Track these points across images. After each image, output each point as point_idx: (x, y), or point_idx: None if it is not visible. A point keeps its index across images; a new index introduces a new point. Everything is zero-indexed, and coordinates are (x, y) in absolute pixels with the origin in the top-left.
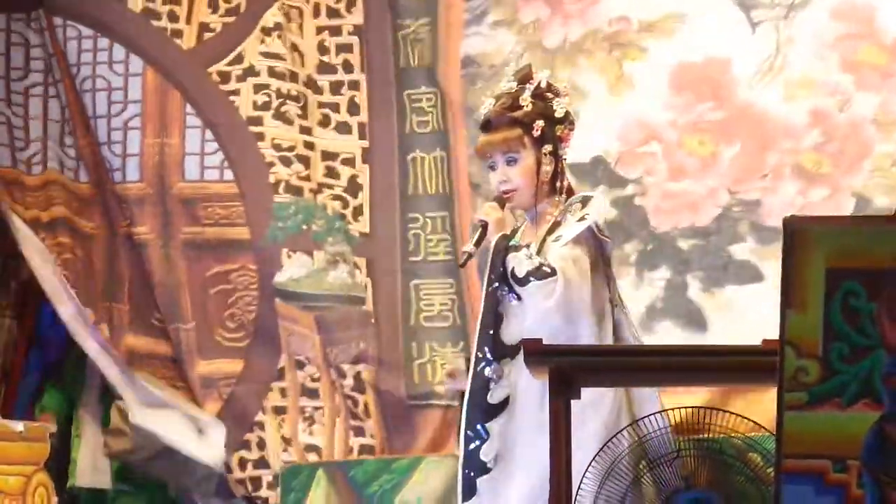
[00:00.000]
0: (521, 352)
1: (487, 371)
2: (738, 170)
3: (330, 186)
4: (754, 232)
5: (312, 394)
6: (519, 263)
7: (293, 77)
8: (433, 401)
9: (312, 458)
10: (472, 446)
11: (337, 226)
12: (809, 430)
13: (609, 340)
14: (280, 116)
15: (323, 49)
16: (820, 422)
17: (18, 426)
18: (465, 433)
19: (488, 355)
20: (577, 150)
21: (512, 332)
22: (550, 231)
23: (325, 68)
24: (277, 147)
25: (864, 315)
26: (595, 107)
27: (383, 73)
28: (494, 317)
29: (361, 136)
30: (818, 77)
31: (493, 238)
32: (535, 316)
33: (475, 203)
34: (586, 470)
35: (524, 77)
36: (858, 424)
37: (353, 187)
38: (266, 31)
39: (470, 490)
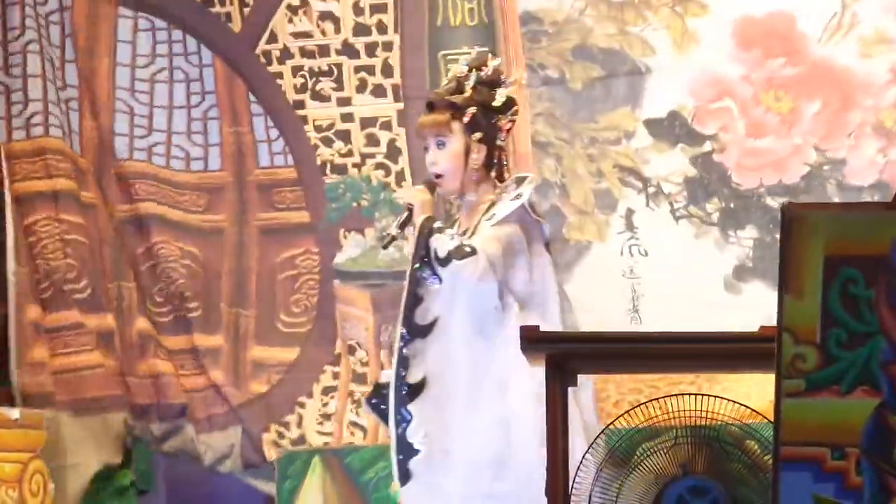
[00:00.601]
0: (433, 331)
1: (405, 351)
2: (822, 127)
3: (372, 155)
4: (841, 192)
5: (360, 379)
6: (441, 244)
7: (323, 51)
8: None
9: (358, 435)
10: (399, 430)
11: (382, 197)
12: (807, 418)
13: (555, 321)
14: (317, 96)
15: (358, 10)
16: (818, 409)
17: (14, 413)
18: (396, 416)
19: (407, 335)
20: (652, 106)
21: (426, 313)
22: (486, 212)
23: (360, 30)
24: (318, 128)
25: (863, 301)
26: (664, 63)
27: (417, 33)
28: (413, 297)
29: (396, 99)
30: (895, 34)
31: (417, 220)
32: (457, 296)
33: (541, 162)
34: (583, 458)
35: (477, 63)
36: (857, 411)
37: (393, 152)
38: (293, 10)
39: (405, 475)
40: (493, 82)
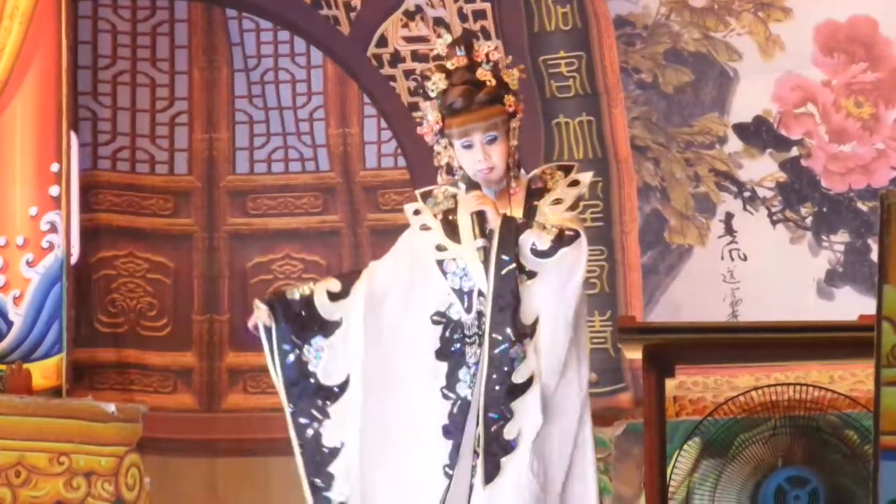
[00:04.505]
0: (535, 331)
1: (512, 352)
2: None
3: None
4: None
5: None
6: (539, 238)
7: (438, 55)
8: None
9: None
10: (494, 428)
11: None
12: None
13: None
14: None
15: (462, 16)
16: None
17: (110, 407)
18: (487, 415)
19: (511, 336)
20: (739, 111)
21: (527, 312)
22: (538, 198)
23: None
24: None
25: None
26: (750, 68)
27: (517, 39)
28: (515, 299)
29: None
30: None
31: (496, 222)
32: (563, 285)
33: (640, 166)
34: (681, 448)
35: (468, 46)
36: None
37: None
38: (409, 15)
39: (493, 470)
40: (497, 65)
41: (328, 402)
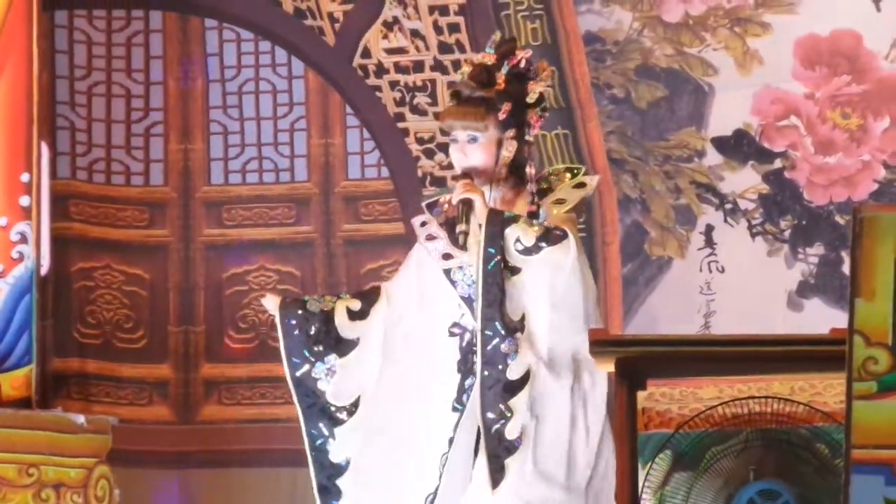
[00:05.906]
0: (525, 326)
1: (503, 347)
2: (891, 144)
3: None
4: None
5: None
6: (524, 233)
7: (417, 67)
8: None
9: None
10: (495, 428)
11: None
12: (879, 420)
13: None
14: (416, 110)
15: (438, 29)
16: (890, 411)
17: (80, 419)
18: (486, 416)
19: (501, 331)
20: (717, 125)
21: (514, 309)
22: (542, 198)
23: (444, 48)
24: (420, 140)
25: None
26: (727, 82)
27: None
28: (501, 292)
29: None
30: None
31: (482, 214)
32: (547, 283)
33: (619, 179)
34: (653, 460)
35: (506, 51)
36: None
37: None
38: (387, 26)
39: (500, 470)
40: (523, 75)
41: (334, 425)
